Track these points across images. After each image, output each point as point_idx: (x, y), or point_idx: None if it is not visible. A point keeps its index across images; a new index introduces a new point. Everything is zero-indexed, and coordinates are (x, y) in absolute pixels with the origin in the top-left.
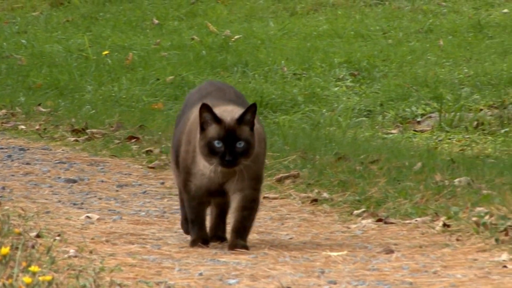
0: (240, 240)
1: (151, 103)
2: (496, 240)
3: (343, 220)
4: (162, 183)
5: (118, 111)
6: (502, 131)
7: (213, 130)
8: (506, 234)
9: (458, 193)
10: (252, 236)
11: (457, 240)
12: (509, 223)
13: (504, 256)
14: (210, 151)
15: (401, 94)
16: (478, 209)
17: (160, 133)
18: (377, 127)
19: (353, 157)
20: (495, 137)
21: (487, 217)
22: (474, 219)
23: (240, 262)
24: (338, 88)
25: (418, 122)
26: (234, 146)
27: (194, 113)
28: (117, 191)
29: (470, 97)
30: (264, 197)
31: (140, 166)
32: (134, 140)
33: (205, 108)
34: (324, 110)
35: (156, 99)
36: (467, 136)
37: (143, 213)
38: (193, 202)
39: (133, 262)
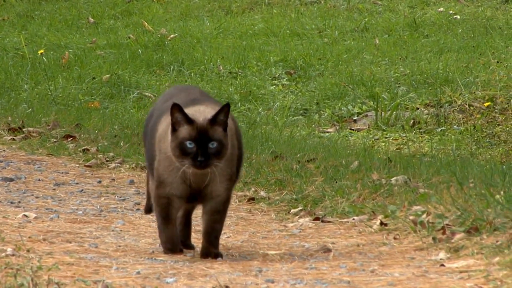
0: (212, 247)
1: (88, 102)
2: (434, 238)
3: (280, 219)
4: (99, 182)
5: (55, 109)
6: (439, 129)
7: (184, 130)
8: (444, 233)
9: (395, 192)
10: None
11: (395, 238)
12: (446, 222)
13: (442, 254)
14: (182, 152)
15: (337, 93)
16: (415, 207)
17: (96, 131)
18: (313, 125)
19: (289, 155)
20: (431, 135)
21: (424, 215)
22: (411, 217)
23: (178, 260)
24: (274, 86)
25: (355, 121)
26: (207, 147)
27: (162, 123)
28: (54, 189)
29: (406, 96)
30: None
31: (77, 165)
32: (70, 138)
33: (176, 108)
34: (260, 108)
35: (93, 98)
36: (404, 135)
37: (80, 212)
38: (161, 202)
39: (71, 260)
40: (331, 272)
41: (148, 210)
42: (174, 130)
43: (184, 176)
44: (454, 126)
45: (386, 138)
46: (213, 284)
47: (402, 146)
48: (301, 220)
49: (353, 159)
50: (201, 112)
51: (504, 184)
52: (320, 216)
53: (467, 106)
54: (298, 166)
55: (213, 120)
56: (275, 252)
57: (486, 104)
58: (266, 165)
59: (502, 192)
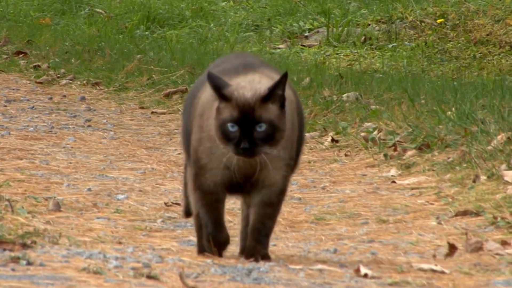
0: (259, 246)
1: (39, 18)
2: (385, 155)
3: None
4: (50, 98)
5: (6, 26)
6: (390, 46)
7: (225, 109)
8: (395, 150)
9: (347, 108)
10: (140, 152)
11: (346, 155)
12: (397, 139)
13: (393, 171)
14: (223, 136)
15: (289, 9)
16: (367, 124)
17: (48, 48)
18: (264, 42)
19: None
20: (382, 52)
21: (375, 132)
22: (362, 134)
23: (129, 177)
24: (225, 3)
25: (306, 37)
26: (253, 130)
27: (206, 90)
28: (5, 106)
29: (358, 12)
30: (152, 112)
31: (28, 81)
32: (22, 55)
33: (211, 79)
34: (212, 25)
35: (44, 14)
36: (355, 51)
37: (32, 129)
38: (207, 200)
39: (22, 177)
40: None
41: (187, 213)
42: (218, 106)
43: (230, 164)
44: (406, 42)
45: (337, 54)
46: (164, 201)
47: (353, 62)
48: None
49: (305, 76)
50: (252, 84)
51: (456, 100)
52: None
53: (418, 22)
54: None
55: (266, 96)
56: None
57: (439, 21)
58: None
59: (453, 109)
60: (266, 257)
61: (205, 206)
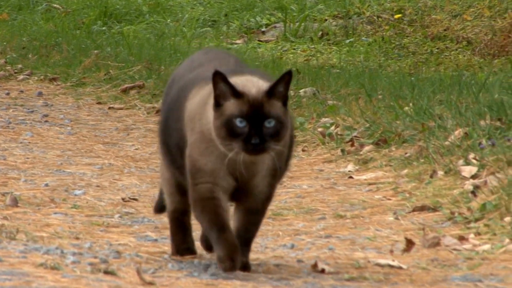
0: (241, 256)
1: None
2: (342, 150)
3: None
4: (8, 94)
5: None
6: (347, 41)
7: (232, 105)
8: (352, 145)
9: (304, 104)
10: (98, 147)
11: (303, 150)
12: (355, 134)
13: (350, 166)
14: (229, 133)
15: (246, 4)
16: (324, 119)
17: (5, 43)
18: (222, 37)
19: None
20: (340, 47)
21: (333, 127)
22: (320, 129)
23: (86, 173)
24: None
25: (263, 32)
26: (262, 126)
27: (193, 97)
28: None
29: (315, 7)
30: (109, 108)
31: None
32: None
33: (220, 77)
34: (169, 20)
35: (1, 10)
36: (312, 46)
37: None
38: (209, 208)
39: None
40: None
41: (159, 209)
42: (218, 105)
43: (233, 165)
44: (363, 38)
45: (294, 49)
46: (121, 196)
47: (310, 57)
48: None
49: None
50: (254, 82)
51: (413, 96)
52: None
53: (375, 17)
54: None
55: (271, 92)
56: None
57: (397, 16)
58: None
59: (411, 104)
60: (246, 268)
61: (207, 214)
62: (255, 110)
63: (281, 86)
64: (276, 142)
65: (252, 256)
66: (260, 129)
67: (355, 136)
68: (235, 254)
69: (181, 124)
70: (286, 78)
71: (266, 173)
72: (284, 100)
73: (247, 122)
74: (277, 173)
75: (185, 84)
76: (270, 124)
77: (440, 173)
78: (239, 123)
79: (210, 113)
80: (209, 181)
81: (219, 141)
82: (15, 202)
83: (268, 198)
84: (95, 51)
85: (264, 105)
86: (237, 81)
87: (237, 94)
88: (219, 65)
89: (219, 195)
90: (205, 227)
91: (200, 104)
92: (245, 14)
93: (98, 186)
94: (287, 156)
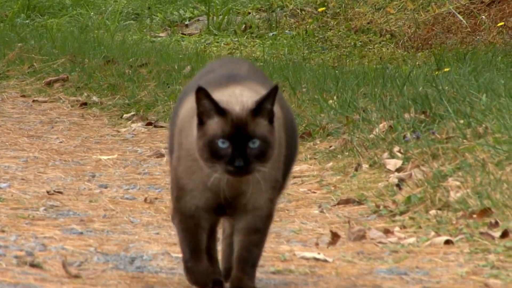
0: (247, 278)
1: None
2: None
3: (113, 124)
4: None
5: None
6: (271, 34)
7: (215, 124)
8: None
9: None
10: (22, 140)
11: None
12: None
13: None
14: (212, 154)
15: None
16: None
17: None
18: (145, 30)
19: (122, 60)
20: (263, 40)
21: None
22: None
23: (11, 166)
24: None
25: (186, 26)
26: (246, 147)
27: (186, 104)
28: None
29: (238, 0)
30: (34, 101)
31: None
32: None
33: (202, 93)
34: (92, 13)
35: None
36: (236, 40)
37: None
38: (186, 225)
39: None
40: (164, 177)
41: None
42: (201, 123)
43: (217, 186)
44: (286, 31)
45: (218, 42)
46: (46, 189)
47: (234, 50)
48: (133, 125)
49: (186, 64)
50: (237, 97)
51: (337, 89)
52: (153, 121)
53: (299, 10)
54: (130, 71)
55: (256, 110)
56: (108, 157)
57: (321, 9)
58: (99, 69)
59: (335, 97)
60: None
61: (184, 231)
62: (238, 130)
63: (268, 103)
64: (262, 163)
65: (178, 249)
66: (243, 150)
67: None
68: (206, 280)
69: (174, 130)
70: (272, 93)
71: (265, 187)
72: (271, 117)
73: (230, 143)
74: (277, 185)
75: (186, 89)
76: (254, 144)
77: (365, 166)
78: (221, 144)
79: (194, 131)
80: (192, 202)
81: (202, 162)
82: None
83: (268, 215)
84: (19, 44)
85: (248, 124)
86: (222, 97)
87: (220, 111)
88: (230, 70)
89: (200, 215)
90: (180, 241)
91: (188, 116)
92: (168, 7)
93: (23, 179)
94: (285, 172)
